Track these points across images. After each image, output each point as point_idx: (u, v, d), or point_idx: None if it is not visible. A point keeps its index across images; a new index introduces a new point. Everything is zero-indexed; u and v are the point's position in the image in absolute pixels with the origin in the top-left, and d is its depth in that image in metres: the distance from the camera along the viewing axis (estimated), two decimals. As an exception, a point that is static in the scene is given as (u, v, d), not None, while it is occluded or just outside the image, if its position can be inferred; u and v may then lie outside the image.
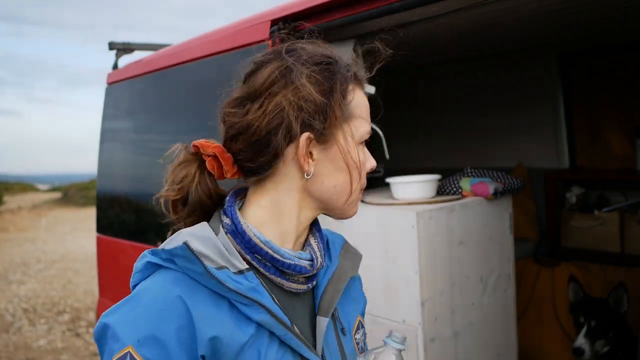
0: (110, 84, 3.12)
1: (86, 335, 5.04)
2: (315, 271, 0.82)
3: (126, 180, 2.89)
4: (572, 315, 2.30)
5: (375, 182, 2.86)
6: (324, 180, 0.80)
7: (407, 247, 1.69)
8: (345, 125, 0.79)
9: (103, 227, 3.04)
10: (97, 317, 3.08)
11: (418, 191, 1.91)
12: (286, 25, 1.94)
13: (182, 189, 0.81)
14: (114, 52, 3.13)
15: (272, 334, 0.75)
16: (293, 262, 0.78)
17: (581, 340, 2.12)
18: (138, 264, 0.76)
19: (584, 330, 2.14)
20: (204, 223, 0.79)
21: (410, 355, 1.71)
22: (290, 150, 0.77)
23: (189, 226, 0.79)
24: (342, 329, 0.86)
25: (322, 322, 0.82)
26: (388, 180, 1.99)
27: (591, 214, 2.78)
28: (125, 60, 3.14)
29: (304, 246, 0.85)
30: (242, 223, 0.78)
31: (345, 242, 0.95)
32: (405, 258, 1.70)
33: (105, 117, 3.12)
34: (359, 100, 0.81)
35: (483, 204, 1.96)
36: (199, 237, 0.74)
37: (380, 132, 2.01)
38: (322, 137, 0.77)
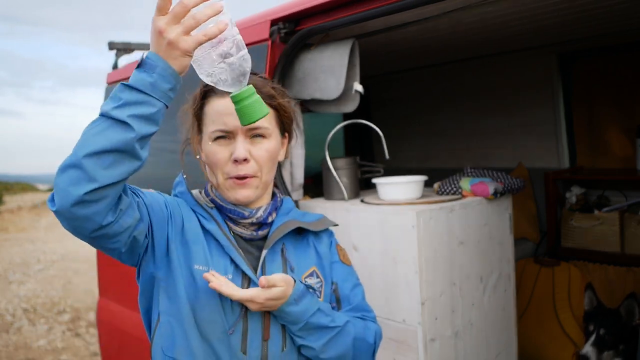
0: (110, 84, 3.12)
1: (86, 335, 5.04)
2: (253, 219, 1.16)
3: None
4: (584, 323, 2.27)
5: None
6: (205, 163, 1.19)
7: (407, 247, 1.68)
8: (203, 125, 1.17)
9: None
10: (97, 317, 3.08)
11: (403, 192, 1.88)
12: (286, 25, 1.94)
13: None
14: (113, 52, 3.14)
15: (218, 243, 1.12)
16: (233, 208, 1.16)
17: (587, 348, 2.09)
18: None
19: (592, 338, 2.11)
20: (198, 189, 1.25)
21: (410, 355, 1.71)
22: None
23: None
24: (292, 267, 1.17)
25: (264, 253, 1.15)
26: (374, 181, 1.95)
27: (591, 214, 2.77)
28: (125, 60, 3.15)
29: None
30: (208, 187, 1.22)
31: (323, 216, 1.29)
32: (405, 258, 1.70)
33: (105, 117, 3.12)
34: (209, 108, 1.16)
35: (483, 204, 1.96)
36: (193, 192, 1.23)
37: (380, 132, 2.01)
38: (199, 131, 1.19)
